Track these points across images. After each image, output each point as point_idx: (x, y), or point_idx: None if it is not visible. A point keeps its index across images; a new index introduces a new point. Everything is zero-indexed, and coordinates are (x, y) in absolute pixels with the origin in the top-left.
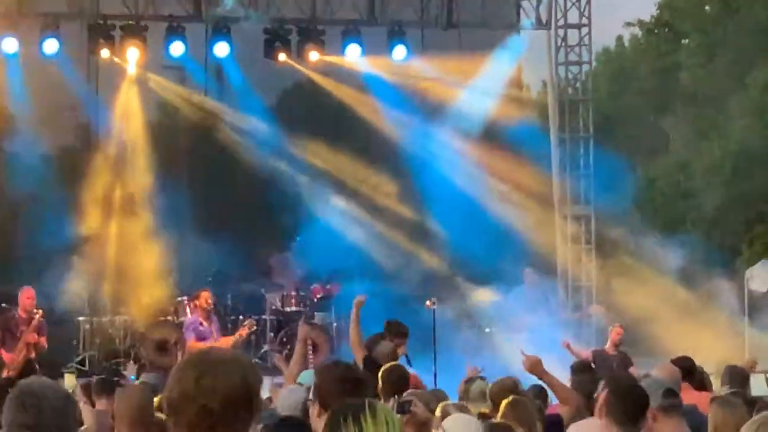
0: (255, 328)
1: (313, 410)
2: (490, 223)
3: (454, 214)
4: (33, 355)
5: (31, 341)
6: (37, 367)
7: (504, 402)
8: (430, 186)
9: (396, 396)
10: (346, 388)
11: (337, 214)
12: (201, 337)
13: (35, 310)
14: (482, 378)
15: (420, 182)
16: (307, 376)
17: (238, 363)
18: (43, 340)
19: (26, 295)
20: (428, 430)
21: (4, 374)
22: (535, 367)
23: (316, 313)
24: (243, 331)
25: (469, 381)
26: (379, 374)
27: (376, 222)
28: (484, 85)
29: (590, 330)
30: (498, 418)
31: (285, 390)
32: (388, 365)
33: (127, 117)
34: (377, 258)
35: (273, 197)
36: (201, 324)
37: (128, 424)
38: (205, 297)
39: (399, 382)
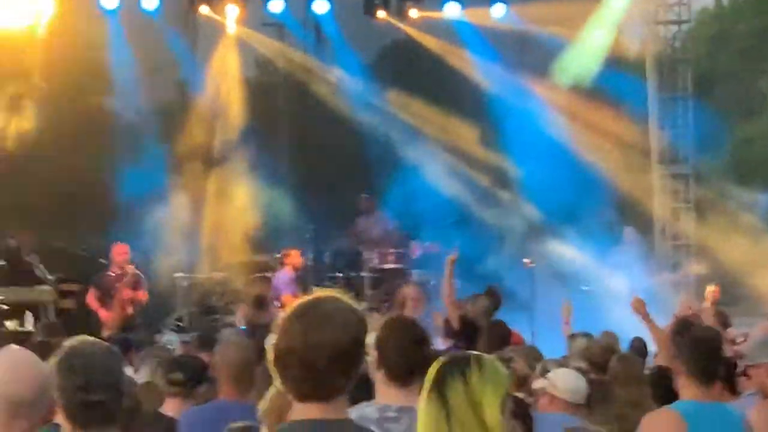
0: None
1: (372, 361)
2: (589, 179)
3: (552, 169)
4: (130, 311)
5: (126, 297)
6: (138, 322)
7: (613, 358)
8: (530, 141)
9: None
10: (404, 344)
11: (432, 170)
12: (295, 294)
13: (128, 266)
14: (586, 334)
15: (519, 138)
16: None
17: (346, 317)
18: (141, 294)
19: (118, 251)
20: (528, 385)
21: (104, 333)
22: (640, 306)
23: (413, 270)
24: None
25: (573, 337)
26: (481, 330)
27: (473, 175)
28: (586, 37)
29: (689, 290)
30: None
31: None
32: (490, 322)
33: (224, 74)
34: (475, 213)
35: (370, 153)
36: (294, 280)
37: (228, 378)
38: (295, 255)
39: (500, 338)
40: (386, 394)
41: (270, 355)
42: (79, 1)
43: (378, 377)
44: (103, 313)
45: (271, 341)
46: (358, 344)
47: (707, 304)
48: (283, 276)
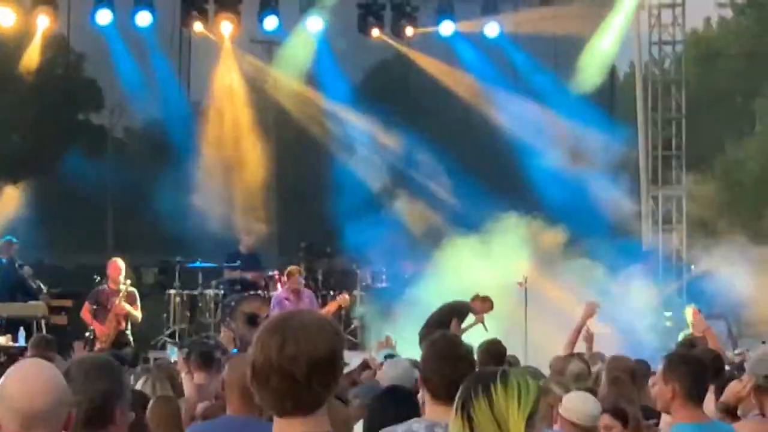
0: (348, 303)
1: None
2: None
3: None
4: (123, 326)
5: (120, 312)
6: (130, 338)
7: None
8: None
9: None
10: (445, 362)
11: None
12: None
13: (123, 282)
14: (581, 358)
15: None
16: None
17: (321, 327)
18: (135, 310)
19: (113, 267)
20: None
21: (97, 347)
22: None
23: (406, 289)
24: (332, 306)
25: (566, 359)
26: (476, 349)
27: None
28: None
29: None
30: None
31: (388, 362)
32: (486, 341)
33: (223, 90)
34: None
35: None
36: (287, 299)
37: (239, 394)
38: (292, 272)
39: (496, 356)
40: (434, 411)
41: (248, 372)
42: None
43: (426, 395)
44: (97, 327)
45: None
46: (336, 355)
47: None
48: (278, 295)
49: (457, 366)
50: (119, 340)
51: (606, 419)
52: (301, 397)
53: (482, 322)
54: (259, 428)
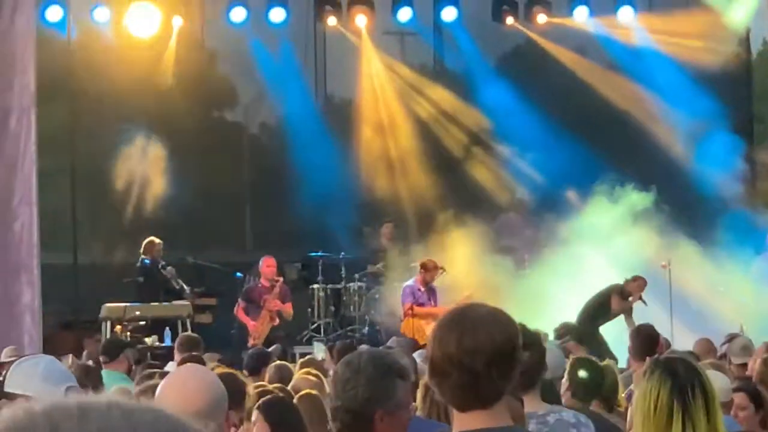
0: None
1: None
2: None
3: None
4: (277, 322)
5: (273, 309)
6: (282, 334)
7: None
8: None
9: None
10: None
11: None
12: (418, 303)
13: (276, 278)
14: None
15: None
16: None
17: (496, 319)
18: (288, 307)
19: (267, 264)
20: None
21: (250, 343)
22: None
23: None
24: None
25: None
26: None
27: None
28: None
29: None
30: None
31: None
32: (639, 325)
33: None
34: None
35: None
36: (419, 290)
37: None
38: (427, 265)
39: (648, 340)
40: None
41: (427, 368)
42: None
43: None
44: (250, 324)
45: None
46: (513, 345)
47: None
48: (409, 286)
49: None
50: (272, 337)
51: (739, 398)
52: (483, 389)
53: (641, 299)
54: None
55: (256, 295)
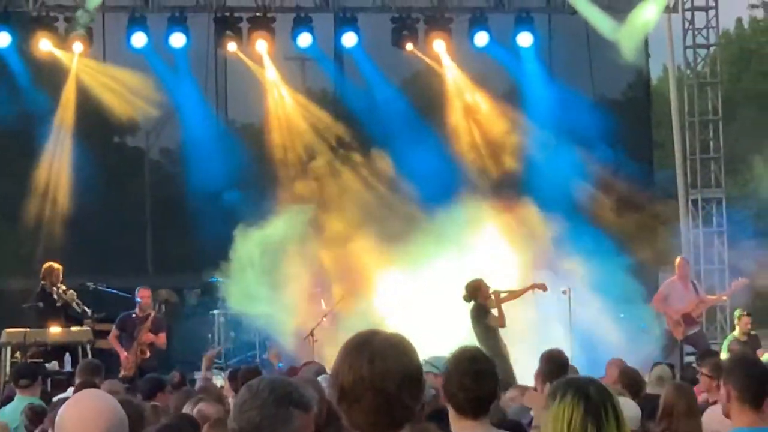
0: None
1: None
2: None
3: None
4: (147, 355)
5: (146, 341)
6: (155, 364)
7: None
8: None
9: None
10: (466, 381)
11: None
12: None
13: (151, 309)
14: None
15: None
16: None
17: (401, 343)
18: (162, 338)
19: (141, 294)
20: None
21: (121, 374)
22: None
23: None
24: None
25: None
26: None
27: None
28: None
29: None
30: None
31: None
32: (548, 350)
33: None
34: None
35: None
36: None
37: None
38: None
39: (559, 364)
40: (459, 427)
41: (335, 393)
42: None
43: (450, 411)
44: (122, 355)
45: (330, 380)
46: (419, 369)
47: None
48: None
49: (482, 382)
50: (143, 367)
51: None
52: (395, 411)
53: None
54: None
55: (130, 325)
